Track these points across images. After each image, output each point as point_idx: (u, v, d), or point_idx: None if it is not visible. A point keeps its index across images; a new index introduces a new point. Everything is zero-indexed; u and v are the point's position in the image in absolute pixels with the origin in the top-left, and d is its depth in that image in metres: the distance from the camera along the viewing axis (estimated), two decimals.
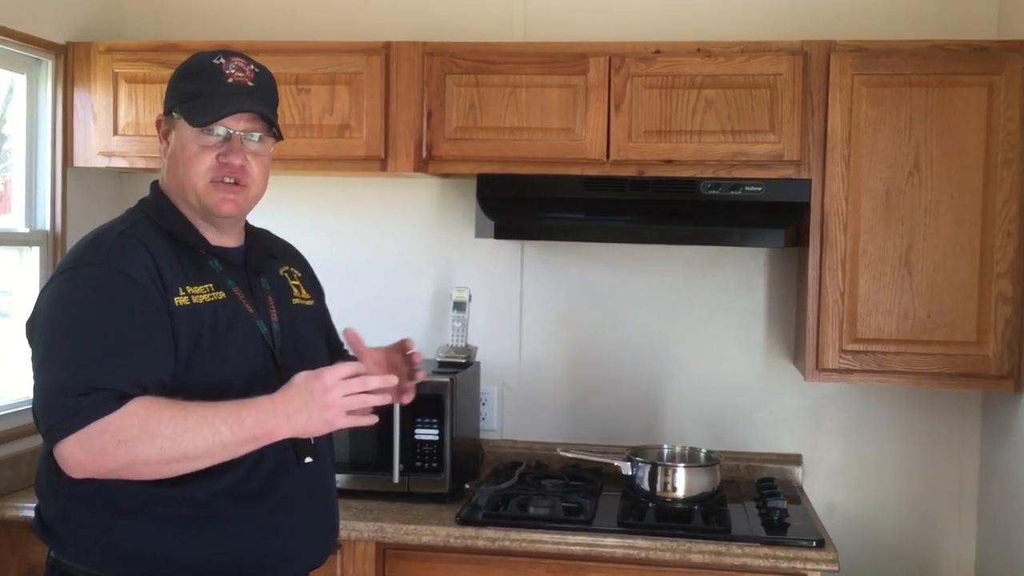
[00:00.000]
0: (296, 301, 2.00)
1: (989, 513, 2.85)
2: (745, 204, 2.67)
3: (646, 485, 2.64)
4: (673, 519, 2.53)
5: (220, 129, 1.80)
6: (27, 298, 2.87)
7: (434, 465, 2.67)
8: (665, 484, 2.63)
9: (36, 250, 2.89)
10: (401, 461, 2.63)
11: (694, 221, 2.73)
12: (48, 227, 2.92)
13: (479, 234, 2.80)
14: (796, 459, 3.01)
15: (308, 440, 1.84)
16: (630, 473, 2.68)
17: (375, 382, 1.73)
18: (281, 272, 2.01)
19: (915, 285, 2.60)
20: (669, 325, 3.07)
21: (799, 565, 2.36)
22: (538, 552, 2.44)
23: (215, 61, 1.83)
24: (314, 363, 1.81)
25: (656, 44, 2.69)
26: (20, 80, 2.87)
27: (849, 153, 2.61)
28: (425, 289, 3.15)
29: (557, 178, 2.74)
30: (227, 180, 1.82)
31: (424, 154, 2.77)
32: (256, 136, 1.84)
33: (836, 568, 2.35)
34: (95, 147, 2.91)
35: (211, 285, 1.81)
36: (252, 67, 1.87)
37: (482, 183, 2.79)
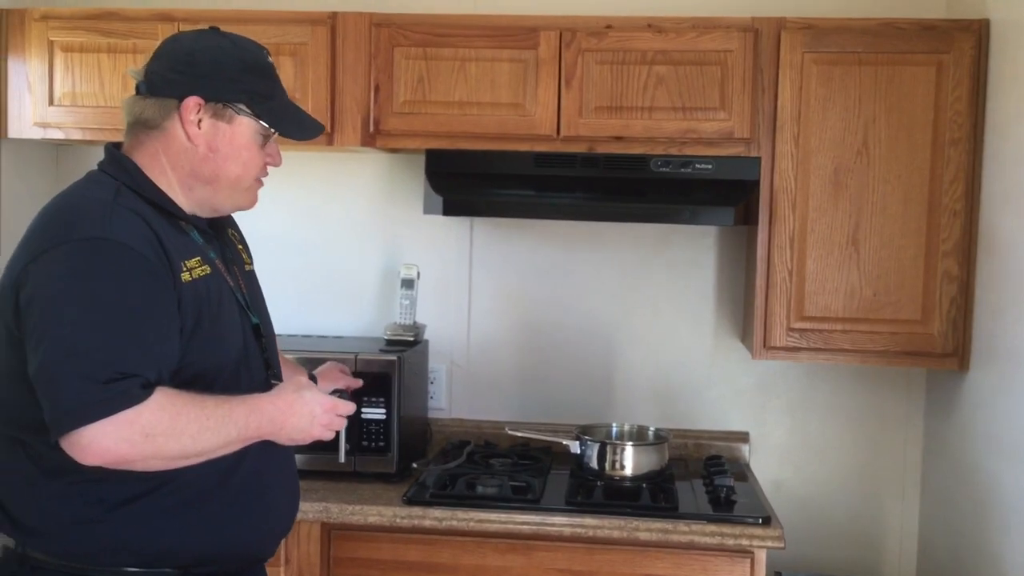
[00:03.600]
0: (247, 267, 1.98)
1: (933, 490, 2.88)
2: (695, 182, 2.66)
3: (595, 463, 2.64)
4: (621, 497, 2.53)
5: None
6: None
7: (381, 444, 2.64)
8: (613, 462, 2.62)
9: None
10: (347, 440, 2.58)
11: (644, 199, 2.72)
12: None
13: (427, 210, 2.76)
14: (743, 437, 3.02)
15: None
16: (578, 452, 2.67)
17: (352, 409, 1.86)
18: (229, 235, 1.97)
19: (862, 263, 2.61)
20: (619, 303, 3.06)
21: (745, 542, 2.37)
22: (486, 532, 2.42)
23: (269, 60, 1.83)
24: (271, 330, 1.94)
25: (607, 19, 2.66)
26: None
27: (799, 131, 2.60)
28: (373, 266, 3.10)
29: (507, 154, 2.70)
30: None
31: (371, 128, 2.72)
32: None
33: (782, 545, 2.37)
34: (30, 118, 2.82)
35: (200, 258, 1.76)
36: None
37: (430, 159, 2.75)
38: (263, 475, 1.82)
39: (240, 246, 2.00)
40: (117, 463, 1.60)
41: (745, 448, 3.00)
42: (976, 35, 2.53)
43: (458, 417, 3.10)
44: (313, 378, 2.21)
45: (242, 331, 1.82)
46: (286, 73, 2.70)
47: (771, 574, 2.57)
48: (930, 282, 2.59)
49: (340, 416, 1.82)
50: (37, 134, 2.83)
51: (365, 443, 2.62)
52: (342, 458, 2.51)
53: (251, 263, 2.02)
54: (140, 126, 1.78)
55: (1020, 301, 2.29)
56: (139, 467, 1.63)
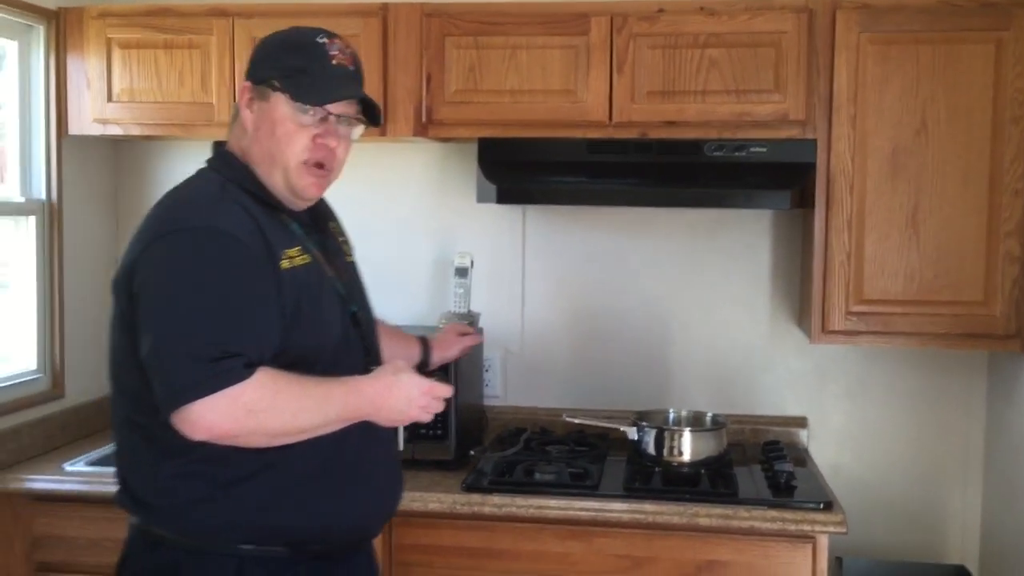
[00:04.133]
0: (348, 259, 2.05)
1: (995, 473, 2.84)
2: (750, 165, 2.63)
3: (652, 450, 2.63)
4: (680, 483, 2.52)
5: (322, 111, 1.80)
6: (25, 268, 2.84)
7: (439, 432, 2.65)
8: (672, 448, 2.61)
9: (32, 219, 2.85)
10: (406, 428, 2.59)
11: (698, 183, 2.70)
12: (44, 196, 2.88)
13: (481, 199, 2.77)
14: (801, 422, 3.00)
15: None
16: (636, 438, 2.67)
17: (449, 392, 1.89)
18: (331, 227, 2.03)
19: (922, 245, 2.58)
20: (673, 289, 3.05)
21: (807, 527, 2.35)
22: (545, 518, 2.43)
23: (319, 40, 1.82)
24: (372, 317, 2.01)
25: (659, 2, 2.64)
26: (12, 47, 2.82)
27: (855, 112, 2.57)
28: (427, 255, 3.12)
29: (559, 141, 2.70)
30: (317, 163, 1.83)
31: (424, 118, 2.73)
32: (351, 122, 1.86)
33: (844, 530, 2.35)
34: (89, 114, 2.87)
35: (300, 248, 1.82)
36: (350, 50, 1.87)
37: (483, 147, 2.75)
38: (366, 457, 1.89)
39: (341, 238, 2.07)
40: (222, 438, 1.67)
41: (803, 433, 2.98)
42: None
43: (513, 404, 3.11)
44: (427, 344, 2.40)
45: (341, 318, 1.88)
46: None
47: (832, 559, 2.55)
48: (991, 263, 2.55)
49: (438, 398, 1.85)
50: (97, 130, 2.88)
51: (423, 431, 2.64)
52: (401, 445, 2.53)
53: (351, 255, 2.09)
54: (232, 119, 1.91)
55: None
56: (243, 442, 1.70)
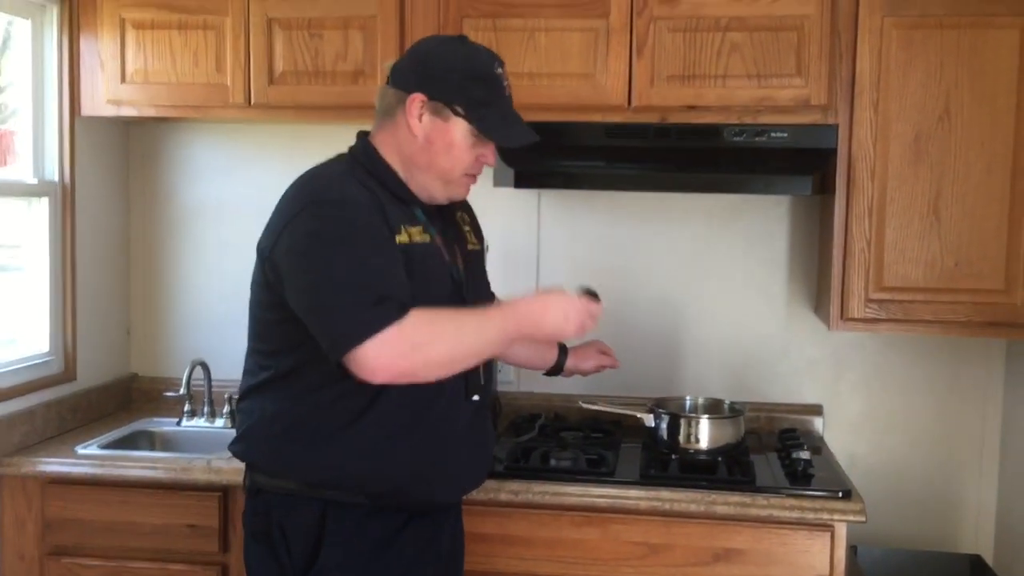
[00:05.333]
0: (470, 247, 2.17)
1: (1011, 463, 2.83)
2: (770, 151, 2.60)
3: (669, 437, 2.61)
4: (697, 470, 2.50)
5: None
6: (38, 250, 2.82)
7: None
8: (688, 436, 2.60)
9: (45, 201, 2.83)
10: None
11: (718, 169, 2.68)
12: (57, 178, 2.86)
13: (498, 183, 2.74)
14: (817, 409, 2.98)
15: (478, 379, 2.05)
16: (652, 425, 2.65)
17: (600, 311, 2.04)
18: (457, 217, 2.16)
19: (943, 233, 2.55)
20: (690, 275, 3.02)
21: (826, 516, 2.34)
22: (562, 504, 2.41)
23: (497, 71, 1.98)
24: (486, 304, 2.10)
25: None
26: (25, 27, 2.79)
27: (878, 98, 2.54)
28: None
29: (577, 125, 2.67)
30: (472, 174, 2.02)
31: None
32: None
33: (863, 519, 2.33)
34: (103, 95, 2.84)
35: (422, 228, 1.98)
36: (507, 82, 2.02)
37: None
38: (453, 424, 2.00)
39: (467, 228, 2.20)
40: (401, 376, 1.83)
41: (819, 421, 2.96)
42: None
43: (527, 390, 3.09)
44: (565, 349, 2.58)
45: (449, 303, 1.97)
46: (355, 47, 2.71)
47: (847, 548, 2.54)
48: (1013, 251, 2.53)
49: (592, 316, 1.98)
50: (111, 112, 2.86)
51: None
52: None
53: (477, 244, 2.22)
54: (381, 113, 2.02)
55: None
56: (422, 376, 1.85)
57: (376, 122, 2.04)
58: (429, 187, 2.01)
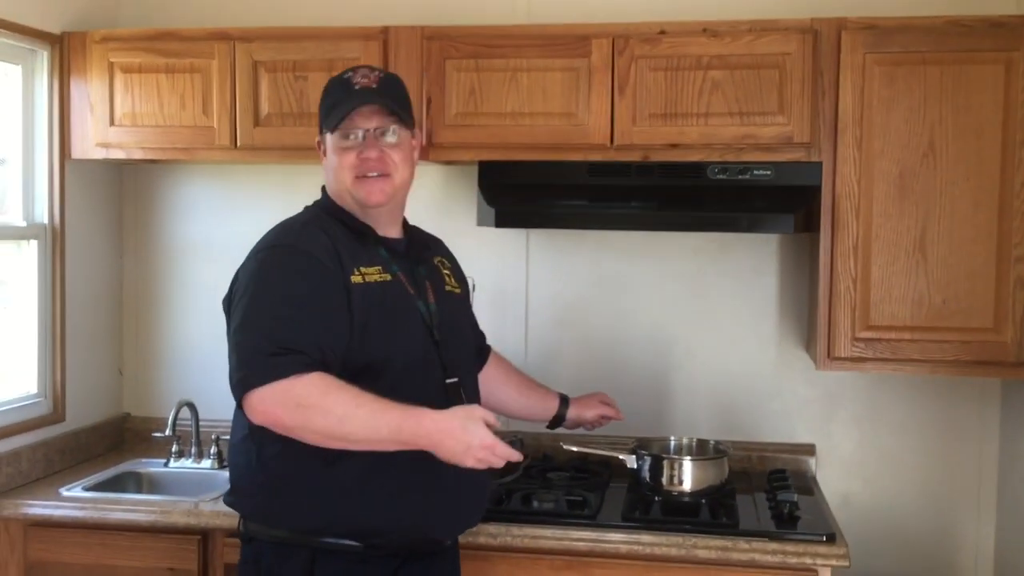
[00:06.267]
0: (448, 288, 2.22)
1: (1010, 504, 2.77)
2: (754, 188, 2.59)
3: (651, 478, 2.58)
4: (680, 513, 2.46)
5: (356, 132, 2.03)
6: (27, 292, 2.85)
7: None
8: (671, 477, 2.56)
9: (34, 243, 2.85)
10: None
11: (702, 207, 2.66)
12: (47, 220, 2.88)
13: (481, 222, 2.74)
14: (809, 449, 2.94)
15: None
16: (635, 467, 2.62)
17: (515, 457, 1.93)
18: (435, 262, 2.24)
19: (930, 270, 2.52)
20: (678, 313, 3.00)
21: (808, 560, 2.29)
22: (540, 548, 2.38)
23: (344, 76, 2.08)
24: (464, 342, 2.20)
25: (661, 24, 2.61)
26: (16, 72, 2.83)
27: (861, 134, 2.52)
28: None
29: (560, 164, 2.67)
30: (371, 175, 2.04)
31: (424, 141, 2.71)
32: (390, 130, 2.05)
33: (847, 563, 2.28)
34: (92, 138, 2.88)
35: (380, 267, 2.03)
36: (377, 72, 2.09)
37: (483, 170, 2.73)
38: (444, 464, 1.91)
39: (447, 272, 2.26)
40: (276, 426, 1.87)
41: (811, 461, 2.92)
42: None
43: (515, 429, 3.06)
44: (566, 400, 2.58)
45: (421, 336, 2.04)
46: None
47: None
48: (1002, 288, 2.49)
49: (499, 457, 1.89)
50: (100, 154, 2.89)
51: None
52: None
53: (458, 287, 2.28)
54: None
55: None
56: (296, 435, 1.87)
57: None
58: (352, 207, 2.08)
